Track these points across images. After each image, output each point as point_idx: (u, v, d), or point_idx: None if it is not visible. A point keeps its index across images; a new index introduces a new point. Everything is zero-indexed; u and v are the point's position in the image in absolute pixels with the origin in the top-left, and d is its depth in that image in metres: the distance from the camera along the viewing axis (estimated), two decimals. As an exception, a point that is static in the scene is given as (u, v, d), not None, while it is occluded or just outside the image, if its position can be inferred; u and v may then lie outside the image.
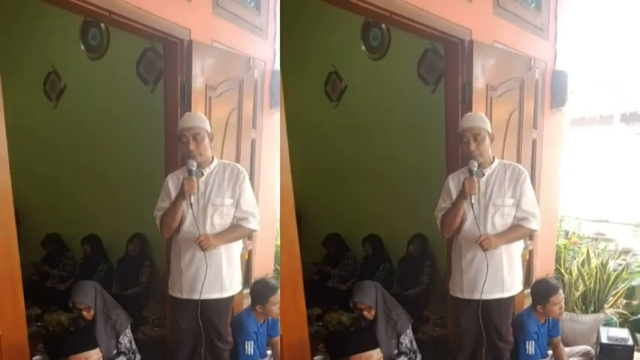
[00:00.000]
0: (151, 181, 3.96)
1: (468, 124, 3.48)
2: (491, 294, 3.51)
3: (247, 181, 3.51)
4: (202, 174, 3.43)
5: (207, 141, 3.44)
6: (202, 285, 3.42)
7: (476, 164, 3.40)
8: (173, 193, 3.41)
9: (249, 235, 3.62)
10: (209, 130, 3.46)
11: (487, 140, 3.46)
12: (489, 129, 3.48)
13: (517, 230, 3.50)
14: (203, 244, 3.36)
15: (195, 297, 3.44)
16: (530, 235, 4.15)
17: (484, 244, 3.41)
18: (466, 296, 3.55)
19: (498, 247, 3.46)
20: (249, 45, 4.13)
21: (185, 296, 3.46)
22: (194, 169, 3.35)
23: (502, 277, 3.50)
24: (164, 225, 3.44)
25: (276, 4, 4.21)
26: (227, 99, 3.96)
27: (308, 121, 4.46)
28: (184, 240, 3.45)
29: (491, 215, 3.47)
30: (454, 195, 3.49)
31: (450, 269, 3.81)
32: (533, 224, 3.50)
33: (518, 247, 3.61)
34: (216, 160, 3.51)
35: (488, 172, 3.49)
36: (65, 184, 4.63)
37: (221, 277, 3.46)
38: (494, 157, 3.53)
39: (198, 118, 3.48)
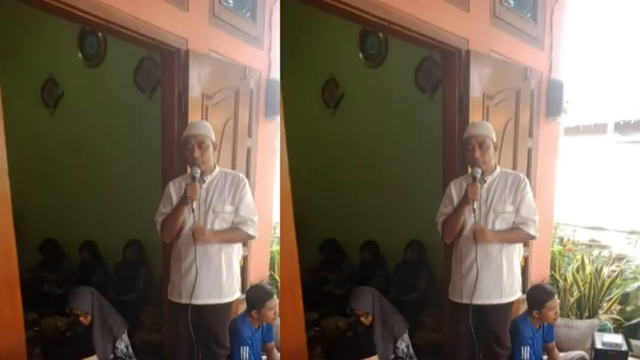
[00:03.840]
0: (148, 188, 3.99)
1: (474, 131, 3.49)
2: (489, 299, 3.51)
3: (247, 189, 3.51)
4: (204, 181, 3.44)
5: (211, 149, 3.44)
6: (195, 290, 3.41)
7: (479, 171, 3.40)
8: (174, 199, 3.41)
9: (246, 239, 3.60)
10: (214, 139, 3.47)
11: (491, 149, 3.46)
12: (494, 138, 3.48)
13: (514, 232, 3.49)
14: (197, 234, 3.35)
15: (194, 302, 3.43)
16: (526, 242, 4.21)
17: (477, 234, 3.40)
18: (465, 301, 3.53)
19: (491, 242, 3.44)
20: (245, 55, 4.16)
21: (184, 301, 3.45)
22: (197, 175, 3.35)
23: (501, 282, 3.49)
24: (165, 230, 3.43)
25: (272, 15, 4.23)
26: (223, 108, 3.97)
27: (305, 128, 4.49)
28: (184, 245, 3.44)
29: (491, 221, 3.47)
30: (455, 200, 3.49)
31: (447, 275, 3.84)
32: (532, 230, 3.49)
33: (517, 253, 3.59)
34: (218, 168, 3.52)
35: (490, 179, 3.49)
36: (63, 190, 4.66)
37: (220, 282, 3.45)
38: (496, 165, 3.54)
39: (205, 126, 3.49)
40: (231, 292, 3.54)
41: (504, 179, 3.51)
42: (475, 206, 3.42)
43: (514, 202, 3.47)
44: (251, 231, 3.48)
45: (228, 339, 3.63)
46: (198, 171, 3.37)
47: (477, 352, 3.60)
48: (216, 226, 3.44)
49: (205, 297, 3.44)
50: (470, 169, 3.51)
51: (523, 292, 4.07)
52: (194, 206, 3.36)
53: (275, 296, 3.88)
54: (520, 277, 3.64)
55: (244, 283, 4.30)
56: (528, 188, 3.51)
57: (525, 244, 4.13)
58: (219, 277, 3.45)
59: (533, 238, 3.58)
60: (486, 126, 3.53)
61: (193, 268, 3.42)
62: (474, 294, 3.49)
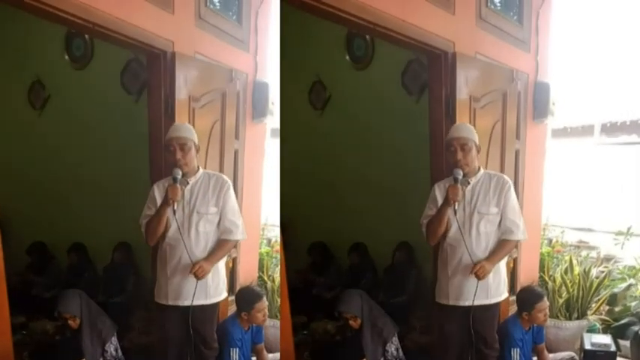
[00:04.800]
0: (136, 190, 3.97)
1: (456, 133, 3.50)
2: (475, 300, 3.51)
3: (231, 191, 3.53)
4: (188, 183, 3.47)
5: (193, 151, 3.47)
6: (181, 292, 3.45)
7: (461, 173, 3.41)
8: (159, 201, 3.43)
9: (235, 243, 3.64)
10: (196, 141, 3.49)
11: (474, 151, 3.48)
12: (476, 140, 3.49)
13: (505, 246, 3.53)
14: (198, 274, 3.41)
15: (181, 303, 3.46)
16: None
17: (479, 273, 3.44)
18: (451, 303, 3.55)
19: (491, 270, 3.48)
20: (231, 57, 4.15)
21: (170, 303, 3.48)
22: (179, 177, 3.37)
23: (487, 283, 3.50)
24: (149, 232, 3.46)
25: (257, 17, 4.23)
26: (210, 110, 3.97)
27: (292, 130, 4.48)
28: (170, 247, 3.47)
29: (475, 223, 3.49)
30: (439, 202, 3.50)
31: (436, 277, 3.84)
32: (519, 235, 3.52)
33: None
34: (201, 170, 3.55)
35: (473, 181, 3.51)
36: (50, 192, 4.63)
37: (205, 283, 3.47)
38: (479, 167, 3.56)
39: (187, 128, 3.52)
40: (217, 292, 3.56)
41: (488, 181, 3.53)
42: (457, 207, 3.43)
43: (498, 204, 3.50)
44: (238, 236, 3.54)
45: (216, 340, 3.65)
46: (180, 172, 3.39)
47: (468, 353, 3.61)
48: (201, 228, 3.46)
49: (191, 298, 3.45)
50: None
51: (512, 293, 4.11)
52: (176, 207, 3.38)
53: (264, 298, 3.89)
54: (506, 278, 3.66)
55: (233, 284, 4.30)
56: (512, 190, 3.53)
57: (515, 246, 4.17)
58: (205, 279, 3.46)
59: (521, 241, 3.62)
60: (468, 128, 3.54)
61: (179, 270, 3.45)
62: (461, 295, 3.52)
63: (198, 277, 3.39)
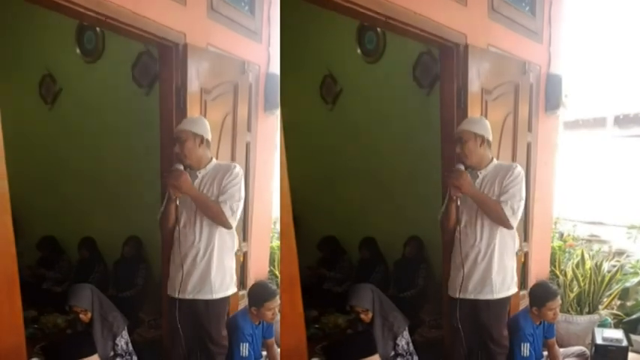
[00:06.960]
0: (147, 184, 3.99)
1: (457, 129, 3.53)
2: (480, 294, 3.52)
3: (237, 180, 3.43)
4: (197, 176, 3.44)
5: (191, 143, 3.41)
6: (184, 284, 3.44)
7: (462, 167, 3.41)
8: None
9: (219, 218, 3.40)
10: (198, 132, 3.43)
11: (472, 143, 3.44)
12: (478, 131, 3.45)
13: (492, 201, 3.43)
14: (177, 179, 3.32)
15: (187, 297, 3.46)
16: (526, 237, 4.21)
17: (456, 178, 3.36)
18: (460, 296, 3.54)
19: (469, 193, 3.40)
20: (243, 49, 4.14)
21: (179, 296, 3.47)
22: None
23: (491, 277, 3.49)
24: (161, 227, 3.48)
25: (270, 8, 4.22)
26: (222, 102, 3.95)
27: (303, 124, 4.48)
28: (178, 241, 3.46)
29: (480, 216, 3.47)
30: None
31: (446, 271, 3.83)
32: (507, 210, 3.39)
33: (509, 249, 3.57)
34: (213, 162, 3.50)
35: (482, 173, 3.49)
36: (60, 186, 4.66)
37: (209, 278, 3.45)
38: (492, 159, 3.53)
39: (186, 121, 3.51)
40: (222, 288, 3.53)
41: (496, 172, 3.48)
42: (459, 203, 3.44)
43: (501, 194, 3.45)
44: (227, 212, 3.37)
45: (225, 337, 3.62)
46: (180, 166, 3.38)
47: (474, 349, 3.61)
48: (206, 222, 3.43)
49: (196, 292, 3.46)
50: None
51: (523, 287, 4.09)
52: (178, 202, 3.39)
53: (277, 297, 3.86)
54: (514, 273, 3.62)
55: (244, 278, 4.29)
56: (517, 177, 3.44)
57: (525, 239, 4.16)
58: (209, 273, 3.45)
59: (507, 222, 3.42)
60: (469, 121, 3.56)
61: (186, 263, 3.44)
62: (466, 288, 3.52)
63: (172, 183, 3.31)
